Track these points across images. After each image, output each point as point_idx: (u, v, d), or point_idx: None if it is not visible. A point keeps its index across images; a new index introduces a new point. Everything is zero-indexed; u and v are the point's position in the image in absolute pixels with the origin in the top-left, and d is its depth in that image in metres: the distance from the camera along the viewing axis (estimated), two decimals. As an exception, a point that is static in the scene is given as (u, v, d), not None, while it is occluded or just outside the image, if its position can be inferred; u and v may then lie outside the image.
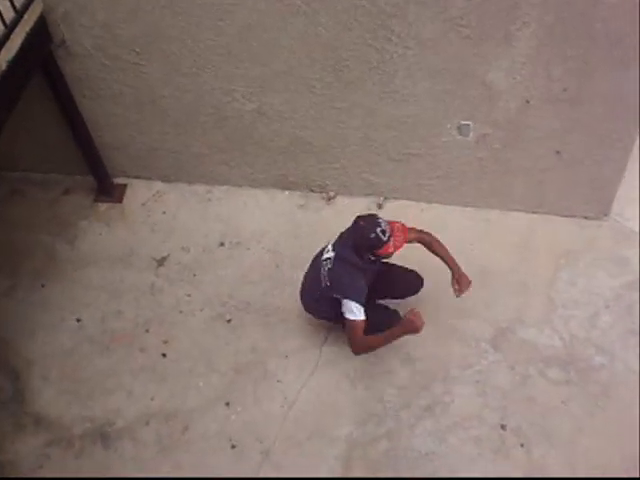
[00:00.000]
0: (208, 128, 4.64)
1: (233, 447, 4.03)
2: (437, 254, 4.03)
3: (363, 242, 3.74)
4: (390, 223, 3.76)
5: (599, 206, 4.73)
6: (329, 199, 5.00)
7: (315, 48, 4.08)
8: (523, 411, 4.06)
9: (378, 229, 3.67)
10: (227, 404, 4.19)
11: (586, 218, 4.81)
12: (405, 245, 3.82)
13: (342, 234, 4.00)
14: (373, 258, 3.82)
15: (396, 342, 4.21)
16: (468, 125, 4.34)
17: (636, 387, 4.12)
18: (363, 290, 3.89)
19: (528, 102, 4.14)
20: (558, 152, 4.39)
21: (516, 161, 4.52)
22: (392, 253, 3.78)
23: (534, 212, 4.82)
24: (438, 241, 4.05)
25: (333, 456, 3.99)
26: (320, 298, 4.09)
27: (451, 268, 3.99)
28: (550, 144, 4.37)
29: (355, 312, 3.85)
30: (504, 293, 4.54)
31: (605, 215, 4.78)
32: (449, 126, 4.37)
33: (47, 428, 4.12)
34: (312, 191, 5.01)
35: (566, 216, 4.81)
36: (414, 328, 3.80)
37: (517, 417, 4.04)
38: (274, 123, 4.54)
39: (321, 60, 4.13)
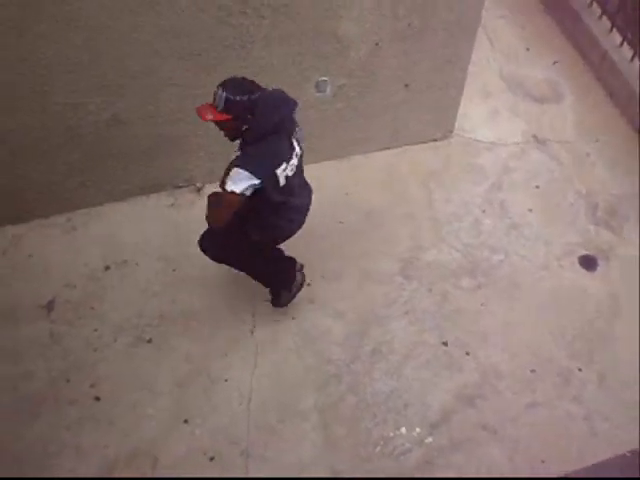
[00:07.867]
0: (62, 151, 4.24)
1: (212, 459, 3.89)
2: None
3: None
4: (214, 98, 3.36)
5: (445, 126, 5.12)
6: (198, 190, 4.85)
7: (170, 38, 3.90)
8: (455, 324, 4.38)
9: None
10: (186, 421, 4.00)
11: (435, 140, 5.19)
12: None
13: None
14: None
15: (320, 300, 4.39)
16: (325, 81, 4.44)
17: (534, 270, 4.65)
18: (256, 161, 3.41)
19: (377, 45, 4.34)
20: (407, 85, 4.67)
21: (371, 104, 4.71)
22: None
23: (392, 148, 5.09)
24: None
25: (311, 428, 4.01)
26: None
27: None
28: (399, 80, 4.63)
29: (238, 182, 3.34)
30: (394, 227, 4.80)
31: (451, 133, 5.20)
32: (307, 86, 4.45)
33: (6, 521, 3.67)
34: (179, 187, 4.82)
35: (419, 143, 5.15)
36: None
37: (452, 331, 4.34)
38: (133, 128, 4.27)
39: (178, 50, 3.96)
